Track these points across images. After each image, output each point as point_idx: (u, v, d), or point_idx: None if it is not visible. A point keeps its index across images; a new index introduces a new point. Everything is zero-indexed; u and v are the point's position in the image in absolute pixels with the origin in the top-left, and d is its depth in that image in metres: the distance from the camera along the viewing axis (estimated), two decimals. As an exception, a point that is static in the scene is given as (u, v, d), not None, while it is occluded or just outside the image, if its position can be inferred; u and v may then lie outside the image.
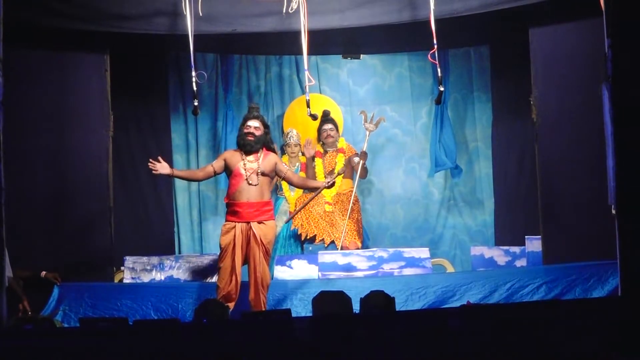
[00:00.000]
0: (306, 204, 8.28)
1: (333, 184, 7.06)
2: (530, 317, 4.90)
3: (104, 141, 7.61)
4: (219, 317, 5.61)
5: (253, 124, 6.91)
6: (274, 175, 6.96)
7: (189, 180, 7.68)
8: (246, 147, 6.85)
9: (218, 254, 6.96)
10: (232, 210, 6.79)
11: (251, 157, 6.84)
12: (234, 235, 6.72)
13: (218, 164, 6.92)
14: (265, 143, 6.93)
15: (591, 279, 7.02)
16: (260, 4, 7.42)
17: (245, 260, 6.78)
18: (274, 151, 7.02)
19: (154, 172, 6.76)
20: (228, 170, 6.87)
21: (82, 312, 6.97)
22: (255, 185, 6.77)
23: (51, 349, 4.90)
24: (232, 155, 6.91)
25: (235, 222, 6.76)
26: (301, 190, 8.67)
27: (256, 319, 5.62)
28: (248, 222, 6.74)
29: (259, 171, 6.79)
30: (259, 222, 6.75)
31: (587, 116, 7.25)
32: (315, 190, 7.84)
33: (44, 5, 7.30)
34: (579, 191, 7.35)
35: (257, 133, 6.87)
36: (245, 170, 6.78)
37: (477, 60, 9.37)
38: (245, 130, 6.89)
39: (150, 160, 6.75)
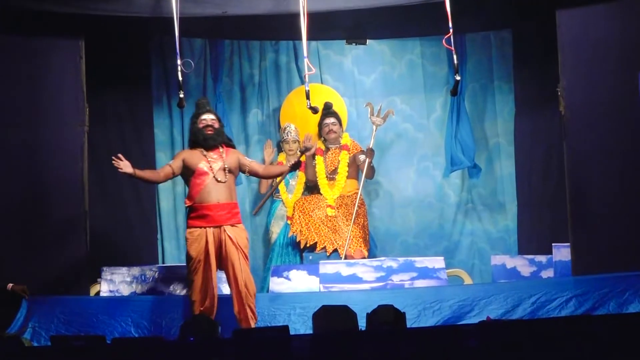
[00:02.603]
0: (269, 195, 8.49)
1: (298, 165, 7.06)
2: (558, 335, 4.89)
3: (79, 137, 7.61)
4: (207, 335, 5.60)
5: (208, 116, 6.99)
6: (238, 173, 6.99)
7: (151, 182, 7.23)
8: (208, 141, 6.90)
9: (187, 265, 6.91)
10: (200, 214, 6.78)
11: (213, 154, 6.86)
12: (205, 242, 6.73)
13: (176, 164, 6.91)
14: (224, 138, 6.97)
15: (626, 292, 7.03)
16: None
17: (220, 269, 6.78)
18: (233, 147, 7.05)
19: (118, 170, 6.68)
20: (189, 170, 6.86)
21: (53, 329, 6.99)
22: (223, 182, 6.78)
23: (18, 370, 4.90)
24: (191, 154, 6.92)
25: (204, 227, 6.75)
26: (300, 192, 8.67)
27: (249, 337, 5.61)
28: (219, 226, 6.74)
29: (225, 167, 6.81)
30: (232, 225, 6.76)
31: (621, 109, 7.25)
32: (280, 175, 7.68)
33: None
34: (612, 193, 7.35)
35: (216, 126, 6.91)
36: (210, 167, 6.79)
37: (498, 46, 9.37)
38: (201, 125, 6.94)
39: (113, 157, 6.68)
